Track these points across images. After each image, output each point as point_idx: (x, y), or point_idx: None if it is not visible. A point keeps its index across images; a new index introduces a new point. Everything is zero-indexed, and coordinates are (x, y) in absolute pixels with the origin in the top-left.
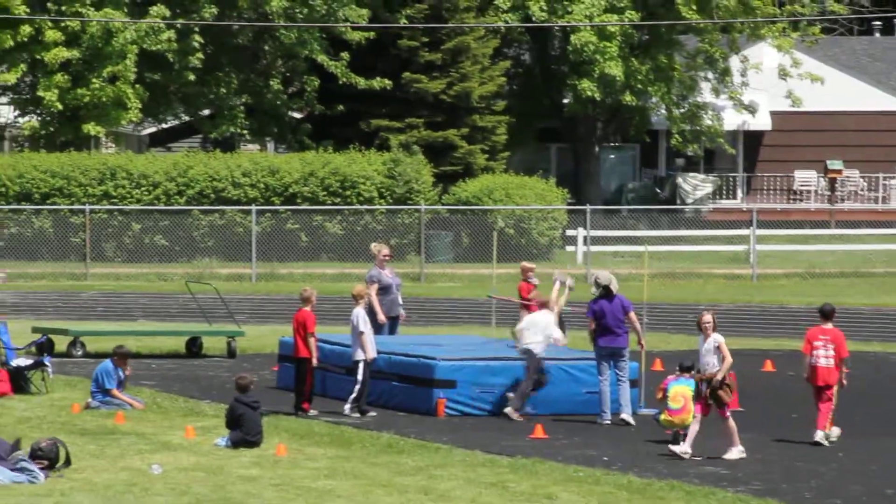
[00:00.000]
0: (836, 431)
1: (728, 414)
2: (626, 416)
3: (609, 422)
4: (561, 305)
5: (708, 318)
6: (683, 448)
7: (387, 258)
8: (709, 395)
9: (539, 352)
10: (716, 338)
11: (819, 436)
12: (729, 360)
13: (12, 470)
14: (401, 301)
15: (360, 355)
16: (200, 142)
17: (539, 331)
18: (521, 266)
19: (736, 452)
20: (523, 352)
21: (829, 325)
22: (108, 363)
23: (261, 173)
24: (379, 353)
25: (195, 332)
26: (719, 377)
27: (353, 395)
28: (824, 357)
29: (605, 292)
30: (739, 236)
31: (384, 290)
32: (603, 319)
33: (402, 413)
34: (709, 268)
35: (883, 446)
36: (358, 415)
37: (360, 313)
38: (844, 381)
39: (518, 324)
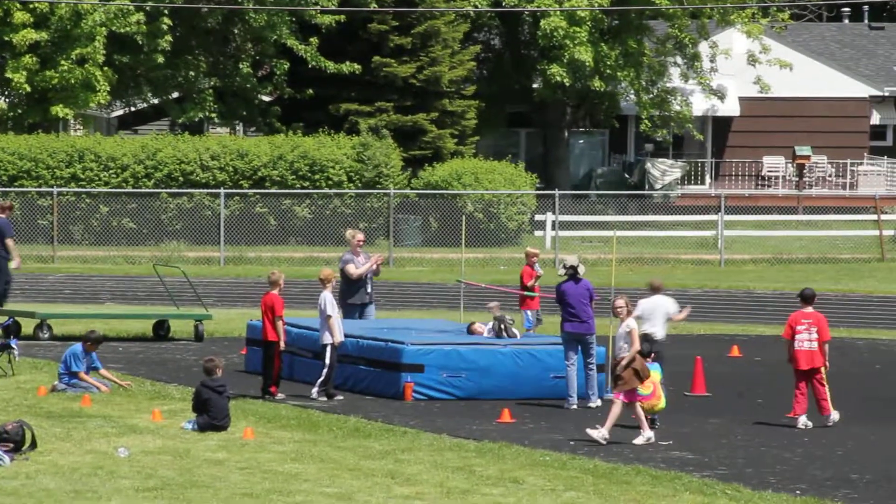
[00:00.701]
0: (804, 421)
1: (622, 399)
2: (594, 404)
3: (575, 406)
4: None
5: (619, 302)
6: (602, 433)
7: (361, 244)
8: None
9: (661, 337)
10: (629, 323)
11: (834, 417)
12: (635, 346)
13: None
14: (370, 289)
15: (327, 339)
16: (169, 124)
17: (659, 316)
18: (526, 251)
19: (599, 434)
20: (642, 336)
21: (810, 309)
22: (77, 346)
23: (229, 156)
24: (347, 336)
25: (162, 315)
26: (623, 363)
27: (321, 379)
28: (808, 341)
29: (572, 274)
30: (707, 222)
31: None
32: (567, 304)
33: (370, 397)
34: (677, 253)
35: (848, 432)
36: (325, 398)
37: (327, 297)
38: (827, 364)
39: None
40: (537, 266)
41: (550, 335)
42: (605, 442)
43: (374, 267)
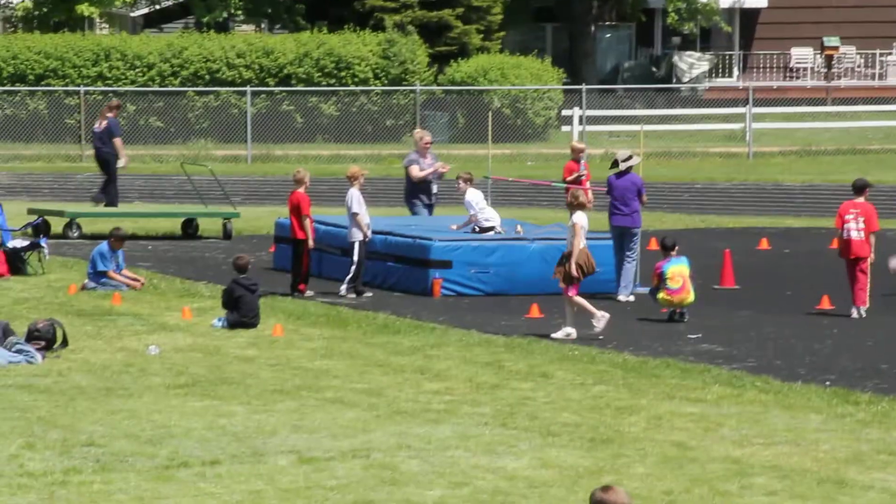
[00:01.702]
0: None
1: (572, 293)
2: (624, 297)
3: (623, 298)
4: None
5: (569, 197)
6: (567, 331)
7: (428, 146)
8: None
9: None
10: (574, 217)
11: (858, 312)
12: (577, 242)
13: (10, 352)
14: (435, 189)
15: (356, 236)
16: (195, 22)
17: None
18: (572, 145)
19: (600, 320)
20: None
21: (861, 199)
22: (103, 245)
23: (255, 54)
24: (375, 233)
25: (191, 213)
26: (573, 260)
27: (349, 276)
28: (855, 230)
29: (615, 166)
30: (735, 115)
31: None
32: (612, 196)
33: (399, 293)
34: (705, 146)
35: (877, 322)
36: (354, 295)
37: (354, 194)
38: (872, 256)
39: None
40: (582, 164)
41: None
42: (605, 317)
43: (439, 172)
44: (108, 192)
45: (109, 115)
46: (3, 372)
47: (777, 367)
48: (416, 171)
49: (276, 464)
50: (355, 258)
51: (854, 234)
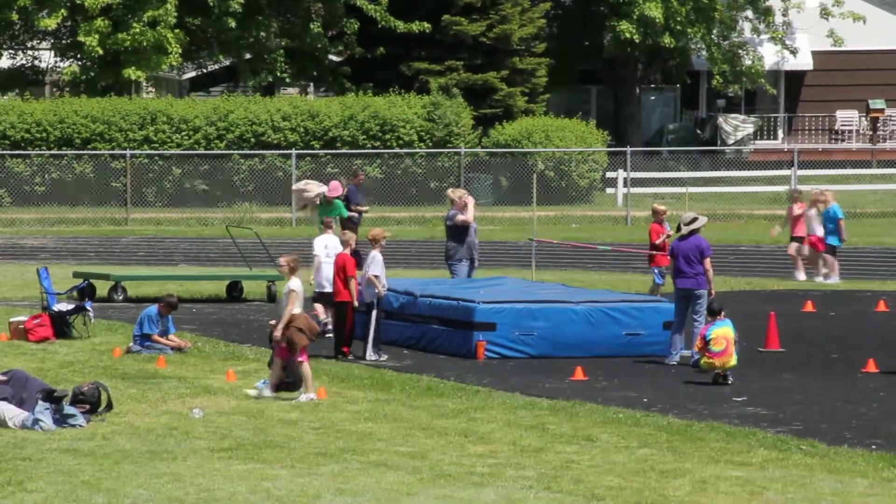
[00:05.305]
0: None
1: (302, 359)
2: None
3: (675, 362)
4: None
5: (281, 261)
6: (267, 392)
7: (465, 203)
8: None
9: None
10: (289, 284)
11: None
12: (289, 308)
13: (56, 415)
14: (477, 243)
15: (372, 296)
16: (241, 85)
17: None
18: (653, 208)
19: (307, 397)
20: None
21: None
22: (153, 309)
23: (300, 117)
24: (419, 296)
25: (235, 276)
26: (280, 326)
27: (372, 338)
28: None
29: (677, 229)
30: (780, 177)
31: (463, 230)
32: (675, 260)
33: (443, 356)
34: (749, 209)
35: None
36: (376, 357)
37: (376, 257)
38: None
39: None
40: (666, 223)
41: (624, 293)
42: (311, 399)
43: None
44: None
45: (351, 182)
46: (48, 436)
47: (823, 431)
48: (460, 217)
49: None
50: (373, 320)
51: None
